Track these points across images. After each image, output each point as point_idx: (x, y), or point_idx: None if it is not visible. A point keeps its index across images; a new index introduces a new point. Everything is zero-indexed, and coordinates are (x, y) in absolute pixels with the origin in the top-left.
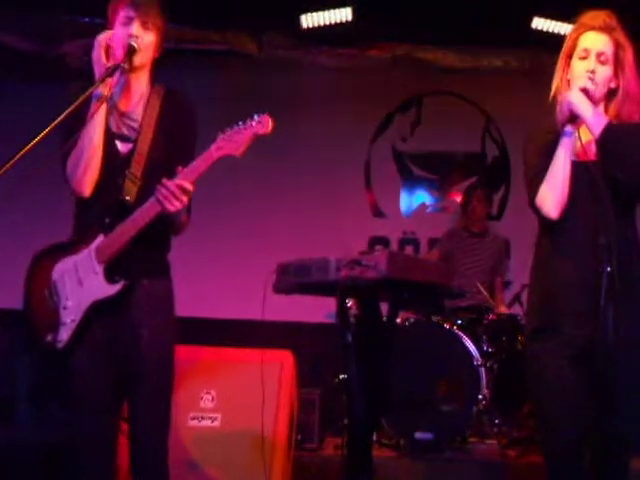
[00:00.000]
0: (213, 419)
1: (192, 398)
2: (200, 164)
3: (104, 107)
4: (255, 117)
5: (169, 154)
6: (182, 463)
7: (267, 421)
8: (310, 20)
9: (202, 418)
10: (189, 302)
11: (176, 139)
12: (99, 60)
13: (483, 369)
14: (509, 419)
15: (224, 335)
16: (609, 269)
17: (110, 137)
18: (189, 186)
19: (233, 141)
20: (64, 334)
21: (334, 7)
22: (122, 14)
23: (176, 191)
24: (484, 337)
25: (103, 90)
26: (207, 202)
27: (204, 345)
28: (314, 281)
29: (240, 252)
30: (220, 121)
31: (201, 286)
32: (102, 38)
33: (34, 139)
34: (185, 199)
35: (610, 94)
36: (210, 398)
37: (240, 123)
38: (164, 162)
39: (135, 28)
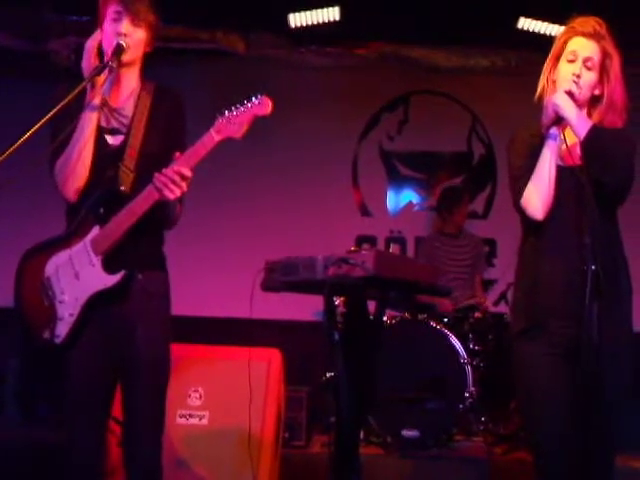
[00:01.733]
0: (201, 417)
1: (180, 396)
2: (199, 149)
3: (96, 118)
4: (253, 98)
5: (161, 148)
6: (170, 461)
7: (254, 419)
8: (298, 19)
9: (190, 416)
10: (177, 300)
11: (168, 133)
12: (89, 67)
13: (469, 367)
14: (495, 417)
15: (212, 333)
16: (593, 268)
17: (100, 132)
18: (188, 172)
19: (232, 123)
20: (62, 329)
21: (322, 6)
22: (112, 9)
23: (175, 178)
24: (470, 335)
25: (97, 100)
26: (194, 202)
27: (192, 343)
28: (302, 279)
29: (228, 251)
30: (207, 119)
31: (189, 284)
32: (91, 44)
33: (21, 138)
34: (184, 185)
35: (593, 100)
36: (198, 396)
37: (238, 105)
38: (157, 155)
39: (124, 25)
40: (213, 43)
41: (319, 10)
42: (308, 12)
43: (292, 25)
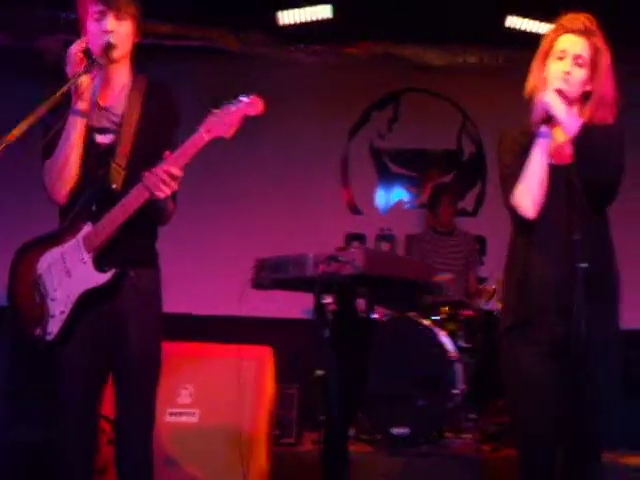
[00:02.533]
0: (191, 415)
1: (170, 394)
2: (189, 148)
3: (83, 124)
4: (244, 98)
5: (153, 145)
6: (159, 459)
7: (245, 417)
8: (290, 17)
9: (180, 414)
10: (168, 298)
11: (160, 130)
12: (74, 73)
13: (459, 364)
14: (484, 414)
15: (203, 331)
16: (583, 266)
17: (90, 132)
18: (178, 171)
19: (223, 123)
20: (54, 326)
21: (313, 4)
22: (93, 9)
23: (165, 177)
24: (460, 333)
25: (82, 106)
26: (185, 200)
27: (183, 341)
28: (292, 277)
29: (219, 249)
30: (198, 117)
31: (181, 282)
32: (74, 51)
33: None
34: (174, 185)
35: (585, 97)
36: (188, 394)
37: (228, 104)
38: (149, 152)
39: (109, 22)
40: (205, 41)
41: (311, 8)
42: (300, 10)
43: (283, 23)
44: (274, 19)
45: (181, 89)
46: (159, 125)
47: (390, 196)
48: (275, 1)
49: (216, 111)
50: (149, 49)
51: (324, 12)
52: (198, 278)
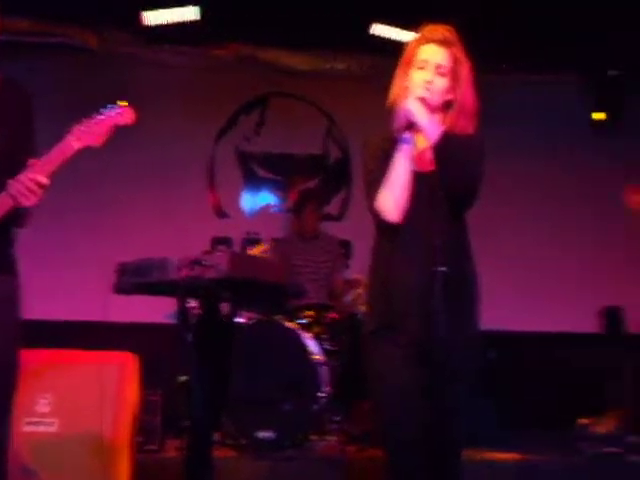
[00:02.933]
0: (49, 424)
1: (27, 403)
2: (57, 156)
3: None
4: (115, 107)
5: (11, 146)
6: (16, 470)
7: (106, 424)
8: (154, 17)
9: (38, 423)
10: (28, 304)
11: (17, 130)
12: None
13: (324, 367)
14: (350, 416)
15: (65, 338)
16: (442, 270)
17: None
18: (44, 180)
19: (92, 132)
20: None
21: (180, 5)
22: None
23: (31, 186)
24: (325, 335)
25: None
26: (47, 204)
27: (44, 348)
28: (154, 281)
29: (83, 254)
30: (58, 116)
31: (42, 289)
32: None
33: None
34: (41, 193)
35: (446, 106)
36: (47, 402)
37: (98, 114)
38: (7, 157)
39: None
40: (65, 38)
41: (176, 9)
42: (166, 10)
43: (146, 23)
44: (139, 18)
45: (40, 87)
46: (16, 128)
47: (257, 200)
48: (141, 1)
49: (85, 120)
50: (7, 46)
51: (191, 14)
52: (60, 284)
